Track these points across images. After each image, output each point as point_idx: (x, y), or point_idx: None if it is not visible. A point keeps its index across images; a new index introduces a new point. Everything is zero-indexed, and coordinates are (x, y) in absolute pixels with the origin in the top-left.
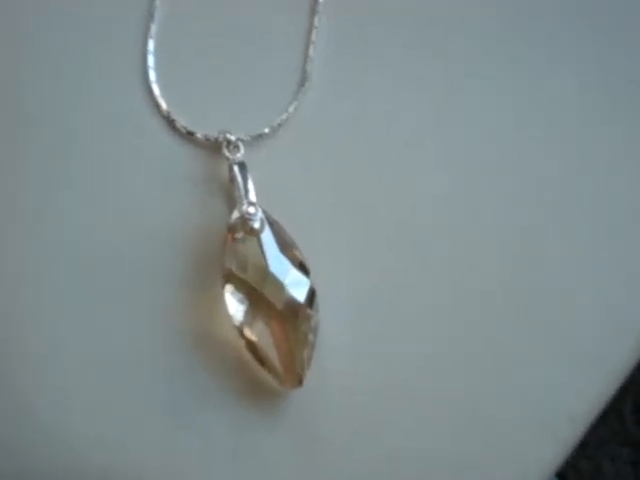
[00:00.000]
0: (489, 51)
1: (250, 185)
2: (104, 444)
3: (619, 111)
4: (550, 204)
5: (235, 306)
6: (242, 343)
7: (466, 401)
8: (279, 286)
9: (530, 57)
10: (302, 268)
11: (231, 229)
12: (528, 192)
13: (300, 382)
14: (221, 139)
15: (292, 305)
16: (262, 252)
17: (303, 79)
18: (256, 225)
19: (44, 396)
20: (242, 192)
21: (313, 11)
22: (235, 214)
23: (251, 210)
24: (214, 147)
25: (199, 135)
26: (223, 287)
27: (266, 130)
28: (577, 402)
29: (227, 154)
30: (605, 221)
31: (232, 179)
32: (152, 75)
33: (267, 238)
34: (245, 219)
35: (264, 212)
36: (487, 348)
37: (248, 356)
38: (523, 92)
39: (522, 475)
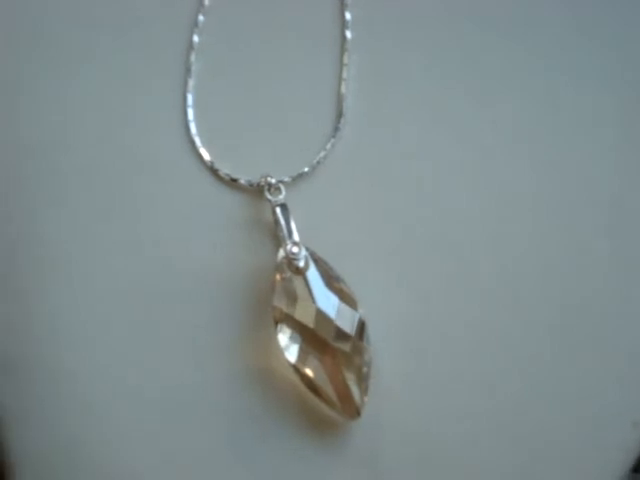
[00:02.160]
0: (487, 55)
1: (293, 225)
2: None
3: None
4: (601, 215)
5: (288, 344)
6: (297, 379)
7: (525, 414)
8: (328, 321)
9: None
10: (350, 301)
11: (278, 269)
12: (575, 206)
13: (358, 413)
14: (263, 183)
15: (342, 338)
16: (309, 289)
17: (338, 116)
18: (301, 264)
19: (105, 438)
20: (285, 232)
21: (342, 49)
22: (281, 254)
23: (295, 250)
24: (257, 191)
25: (242, 181)
26: (275, 326)
27: (306, 169)
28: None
29: (269, 197)
30: None
31: (276, 220)
32: (193, 128)
33: (312, 275)
34: (290, 259)
35: (308, 250)
36: (544, 358)
37: (306, 391)
38: (531, 93)
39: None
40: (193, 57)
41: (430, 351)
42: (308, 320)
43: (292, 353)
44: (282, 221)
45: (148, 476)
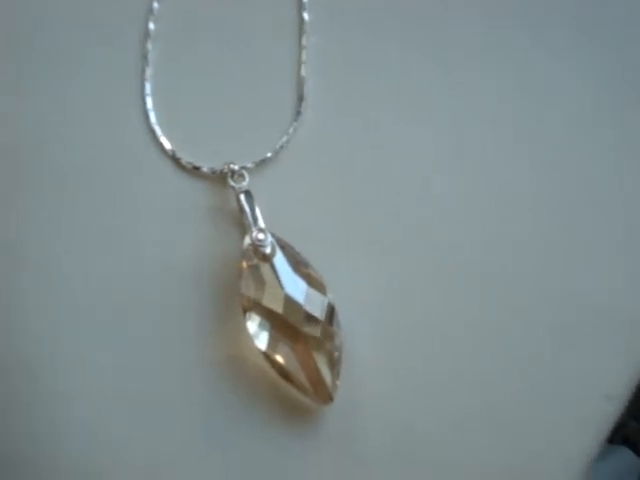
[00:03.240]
0: (487, 55)
1: (257, 212)
2: (137, 474)
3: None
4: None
5: (257, 332)
6: (269, 367)
7: (499, 396)
8: (297, 306)
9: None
10: (318, 286)
11: (244, 256)
12: (548, 195)
13: (331, 398)
14: (226, 170)
15: (312, 323)
16: (276, 275)
17: (299, 100)
18: (267, 250)
19: (74, 428)
20: (250, 219)
21: (301, 31)
22: (246, 241)
23: (261, 236)
24: (220, 178)
25: (205, 169)
26: (244, 314)
27: (269, 155)
28: (613, 381)
29: (232, 184)
30: None
31: (240, 208)
32: (152, 117)
33: (279, 261)
34: (256, 246)
35: (274, 236)
36: (518, 337)
37: (277, 378)
38: (530, 93)
39: (566, 458)
40: (150, 45)
41: (401, 334)
42: (277, 306)
43: (262, 340)
44: (247, 208)
45: (119, 465)
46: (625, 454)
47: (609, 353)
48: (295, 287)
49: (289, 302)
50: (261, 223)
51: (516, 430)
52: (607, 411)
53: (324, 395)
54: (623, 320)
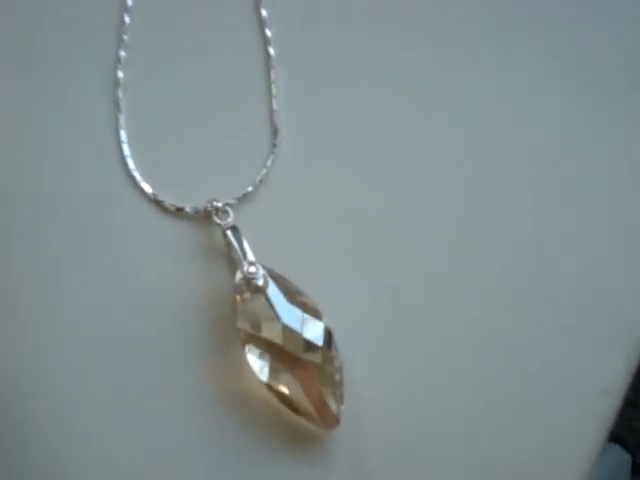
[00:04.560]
0: (486, 56)
1: (246, 245)
2: None
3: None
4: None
5: (258, 364)
6: (272, 397)
7: (500, 402)
8: (295, 335)
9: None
10: (313, 312)
11: (237, 290)
12: (548, 195)
13: (337, 421)
14: (209, 208)
15: (312, 350)
16: (271, 306)
17: (274, 132)
18: (260, 282)
19: (78, 465)
20: (240, 254)
21: (268, 66)
22: (238, 276)
23: (252, 270)
24: (204, 217)
25: (188, 209)
26: (243, 347)
27: (250, 189)
28: (609, 375)
29: (218, 221)
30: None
31: (228, 243)
32: (130, 163)
33: (273, 292)
34: (248, 279)
35: (265, 268)
36: (516, 336)
37: (281, 407)
38: (528, 93)
39: (568, 452)
40: (120, 93)
41: (399, 353)
42: (275, 337)
43: (264, 372)
44: (235, 243)
45: None
46: (615, 450)
47: (606, 348)
48: (291, 316)
49: (287, 332)
50: (250, 256)
51: (519, 430)
52: (605, 406)
53: (330, 419)
54: (620, 316)
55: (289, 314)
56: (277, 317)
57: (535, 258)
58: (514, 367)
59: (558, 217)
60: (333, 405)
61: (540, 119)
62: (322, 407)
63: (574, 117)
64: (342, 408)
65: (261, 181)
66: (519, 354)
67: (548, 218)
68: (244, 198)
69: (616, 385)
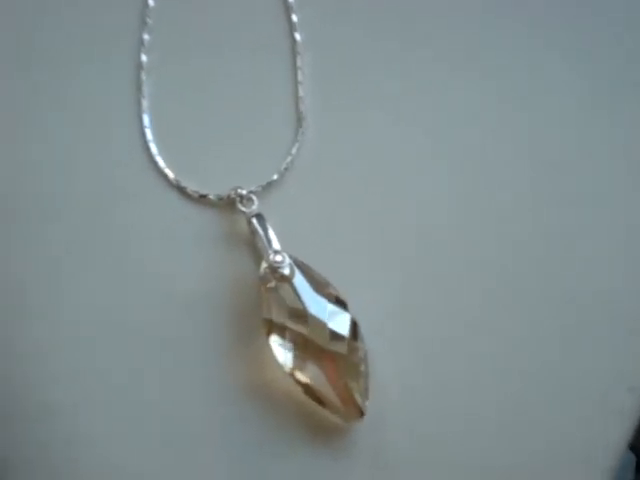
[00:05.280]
0: (481, 66)
1: (271, 234)
2: None
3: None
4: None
5: (283, 354)
6: (296, 387)
7: (526, 396)
8: (321, 325)
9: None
10: (339, 303)
11: (262, 280)
12: (550, 196)
13: (362, 414)
14: (233, 195)
15: (338, 341)
16: (298, 296)
17: (299, 120)
18: (286, 271)
19: (97, 460)
20: (265, 242)
21: (294, 52)
22: (263, 265)
23: (278, 258)
24: (228, 204)
25: (211, 196)
26: (267, 337)
27: (275, 177)
28: (635, 373)
29: (242, 209)
30: None
31: (253, 232)
32: (153, 148)
33: (299, 281)
34: (274, 268)
35: (291, 257)
36: (541, 335)
37: (304, 398)
38: (530, 93)
39: (592, 451)
40: (144, 76)
41: (423, 346)
42: (301, 327)
43: (288, 362)
44: (260, 231)
45: None
46: None
47: (631, 346)
48: (318, 306)
49: (313, 322)
50: (276, 245)
51: (540, 430)
52: (631, 403)
53: (355, 412)
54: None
55: (315, 304)
56: (303, 307)
57: (549, 256)
58: (536, 367)
59: (564, 217)
60: (358, 398)
61: (542, 119)
62: (347, 399)
63: (576, 116)
64: (367, 402)
65: (286, 169)
66: (541, 354)
67: (558, 218)
68: (268, 186)
69: None
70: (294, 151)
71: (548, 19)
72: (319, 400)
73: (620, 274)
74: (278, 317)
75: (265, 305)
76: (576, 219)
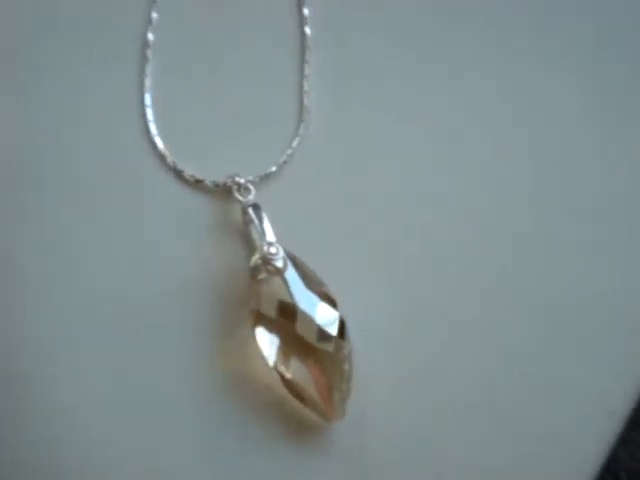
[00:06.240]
0: (487, 58)
1: (267, 225)
2: None
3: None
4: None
5: (268, 347)
6: (278, 382)
7: (508, 409)
8: (310, 322)
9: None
10: (329, 301)
11: (253, 270)
12: (567, 201)
13: (342, 413)
14: (230, 183)
15: (325, 339)
16: (288, 290)
17: (302, 113)
18: (279, 264)
19: (78, 448)
20: (260, 233)
21: (303, 46)
22: (256, 255)
23: (272, 250)
24: (224, 192)
25: (207, 182)
26: (253, 329)
27: (273, 169)
28: (616, 397)
29: (239, 197)
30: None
31: (247, 221)
32: (153, 128)
33: (291, 275)
34: (268, 259)
35: (285, 250)
36: (523, 353)
37: (285, 393)
38: (529, 94)
39: (570, 471)
40: (149, 54)
41: (410, 347)
42: (289, 322)
43: (272, 356)
44: (256, 221)
45: None
46: None
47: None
48: (308, 302)
49: (302, 317)
50: (271, 236)
51: (523, 435)
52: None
53: (336, 411)
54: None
55: (305, 299)
56: (293, 301)
57: (547, 256)
58: (523, 370)
59: (568, 217)
60: (340, 397)
61: (543, 119)
62: (328, 397)
63: (577, 117)
64: (348, 401)
65: (285, 162)
66: (529, 358)
67: (546, 216)
68: (266, 177)
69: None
70: (295, 144)
71: (551, 22)
72: (300, 396)
73: (620, 275)
74: (266, 309)
75: (254, 296)
76: (577, 221)
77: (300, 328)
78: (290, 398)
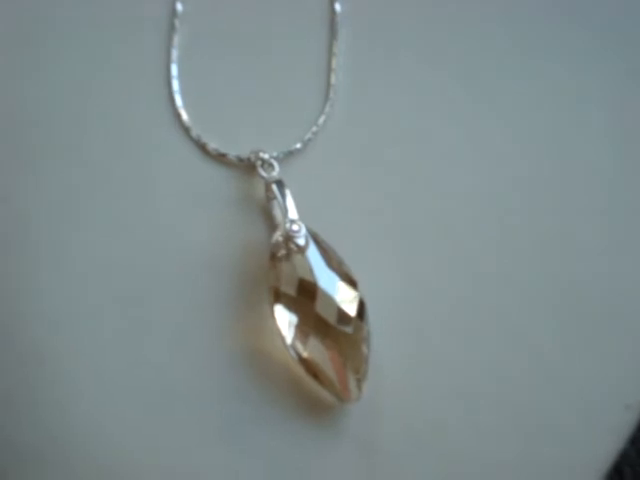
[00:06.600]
0: (509, 56)
1: (289, 202)
2: (159, 470)
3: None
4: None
5: (286, 324)
6: (295, 360)
7: (523, 396)
8: (330, 301)
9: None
10: (349, 281)
11: (274, 247)
12: (574, 191)
13: (358, 395)
14: (253, 158)
15: (344, 319)
16: (310, 268)
17: (328, 92)
18: (301, 242)
19: (92, 424)
20: (283, 210)
21: (332, 23)
22: (277, 232)
23: (295, 227)
24: (247, 167)
25: (231, 156)
26: (272, 306)
27: (298, 146)
28: (632, 391)
29: (263, 173)
30: None
31: (270, 198)
32: (178, 100)
33: (313, 254)
34: (290, 237)
35: (306, 228)
36: (540, 343)
37: (300, 372)
38: (546, 95)
39: (583, 465)
40: (177, 24)
41: (428, 332)
42: (309, 300)
43: (291, 333)
44: (279, 198)
45: (131, 457)
46: None
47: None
48: (329, 281)
49: (322, 296)
50: (293, 214)
51: (535, 430)
52: (626, 420)
53: (351, 392)
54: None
55: (326, 278)
56: (314, 280)
57: (567, 252)
58: (537, 361)
59: (567, 207)
60: (356, 378)
61: (551, 119)
62: (345, 378)
63: (577, 118)
64: (365, 384)
65: (310, 140)
66: (544, 349)
67: (559, 207)
68: (290, 155)
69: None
70: (320, 122)
71: (568, 27)
72: (316, 376)
73: (621, 275)
74: (286, 287)
75: (273, 273)
76: (578, 208)
77: (320, 307)
78: (306, 378)
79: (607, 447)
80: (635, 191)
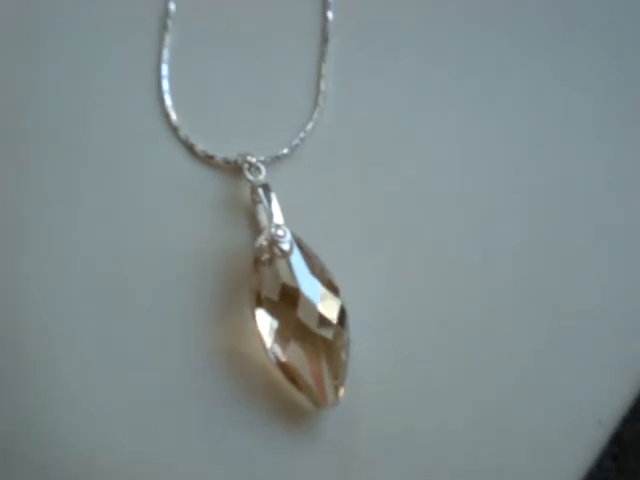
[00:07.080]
0: (505, 62)
1: (275, 206)
2: (134, 469)
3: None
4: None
5: (267, 328)
6: (274, 364)
7: (498, 409)
8: (312, 307)
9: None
10: (332, 288)
11: (259, 251)
12: (561, 200)
13: (335, 401)
14: (241, 161)
15: (325, 325)
16: (292, 274)
17: (317, 98)
18: (286, 247)
19: (69, 420)
20: (269, 214)
21: (323, 30)
22: (262, 236)
23: (280, 232)
24: (234, 170)
25: (218, 158)
26: (253, 309)
27: (285, 151)
28: (605, 407)
29: (249, 177)
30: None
31: (255, 201)
32: (168, 100)
33: (297, 259)
34: (274, 241)
35: (291, 233)
36: (516, 356)
37: (279, 377)
38: (543, 100)
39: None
40: (170, 25)
41: (407, 340)
42: (291, 305)
43: (270, 338)
44: (265, 202)
45: (110, 456)
46: None
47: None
48: (311, 287)
49: (304, 302)
50: (279, 218)
51: (519, 435)
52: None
53: (328, 398)
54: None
55: (309, 285)
56: (297, 285)
57: (550, 265)
58: (511, 378)
59: (554, 216)
60: (334, 384)
61: (550, 122)
62: (322, 384)
63: (578, 119)
64: (342, 390)
65: (297, 145)
66: (521, 360)
67: (547, 216)
68: (277, 159)
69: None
70: (308, 128)
71: (568, 33)
72: (294, 381)
73: (618, 281)
74: (269, 292)
75: (256, 277)
76: (565, 217)
77: (301, 313)
78: (284, 382)
79: (578, 462)
80: (628, 199)
